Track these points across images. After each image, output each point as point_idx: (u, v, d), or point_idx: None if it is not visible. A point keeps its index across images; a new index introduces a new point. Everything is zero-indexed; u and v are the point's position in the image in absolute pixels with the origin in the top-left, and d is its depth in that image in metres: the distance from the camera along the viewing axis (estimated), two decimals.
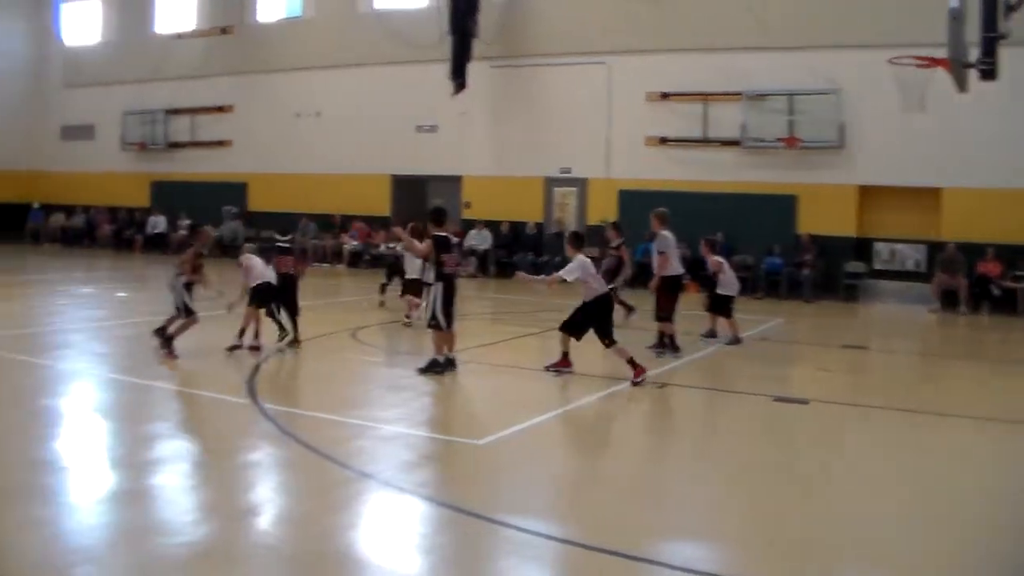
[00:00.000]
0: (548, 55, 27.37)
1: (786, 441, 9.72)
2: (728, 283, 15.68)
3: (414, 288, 15.85)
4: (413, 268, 15.80)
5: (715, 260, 15.75)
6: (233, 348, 13.04)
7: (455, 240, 12.34)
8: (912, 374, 14.94)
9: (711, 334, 15.69)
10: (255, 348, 13.14)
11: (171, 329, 12.65)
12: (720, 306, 15.64)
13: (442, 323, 11.77)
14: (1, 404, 10.12)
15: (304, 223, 30.40)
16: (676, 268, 14.30)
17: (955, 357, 16.71)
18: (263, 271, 13.49)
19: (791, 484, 8.05)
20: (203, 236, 13.64)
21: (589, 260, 12.10)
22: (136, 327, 15.23)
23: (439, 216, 12.25)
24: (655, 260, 14.33)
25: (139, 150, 35.11)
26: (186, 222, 32.61)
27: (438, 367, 11.77)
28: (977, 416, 10.76)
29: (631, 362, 11.73)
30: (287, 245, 14.41)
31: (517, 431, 9.38)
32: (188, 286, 12.72)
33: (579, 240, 12.40)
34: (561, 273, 12.01)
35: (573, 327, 12.10)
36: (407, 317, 16.04)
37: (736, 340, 15.36)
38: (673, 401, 11.47)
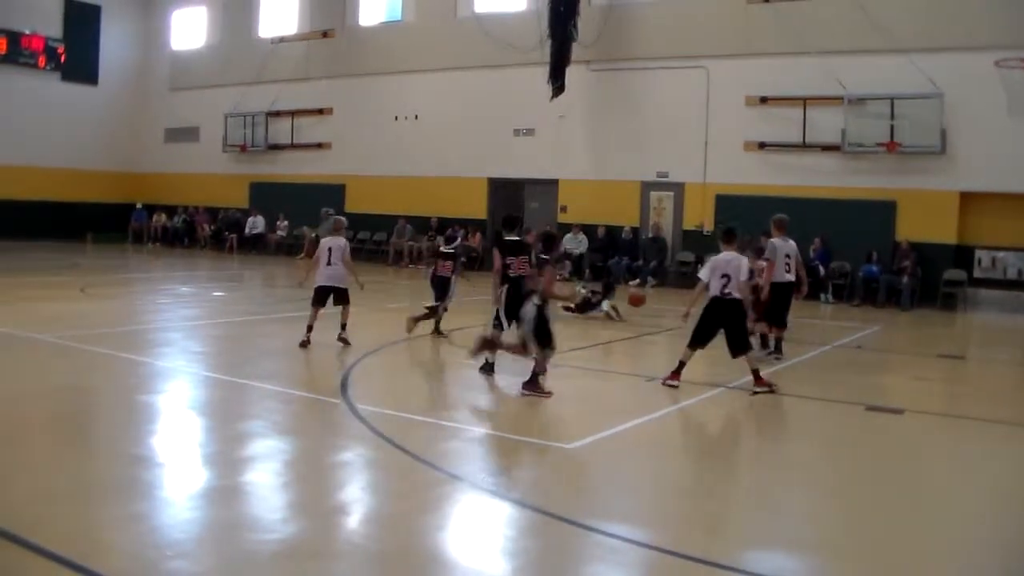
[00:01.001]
0: (647, 59, 27.31)
1: (878, 451, 9.53)
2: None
3: None
4: None
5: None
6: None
7: (530, 243, 12.34)
8: (1010, 384, 14.54)
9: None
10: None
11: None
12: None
13: (504, 324, 11.80)
14: (102, 400, 10.44)
15: (401, 225, 30.72)
16: (781, 275, 14.23)
17: None
18: None
19: (884, 494, 7.88)
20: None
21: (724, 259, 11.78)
22: (230, 327, 15.55)
23: (509, 222, 12.44)
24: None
25: (240, 152, 35.81)
26: (284, 223, 33.20)
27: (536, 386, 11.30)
28: None
29: (756, 373, 11.65)
30: (451, 251, 15.52)
31: (607, 436, 9.33)
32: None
33: (730, 235, 12.09)
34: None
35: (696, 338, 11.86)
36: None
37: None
38: (765, 408, 11.31)
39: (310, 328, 13.54)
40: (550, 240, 11.98)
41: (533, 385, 10.99)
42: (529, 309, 10.93)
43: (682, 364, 11.77)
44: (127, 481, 7.22)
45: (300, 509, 6.92)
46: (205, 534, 6.31)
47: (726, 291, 11.57)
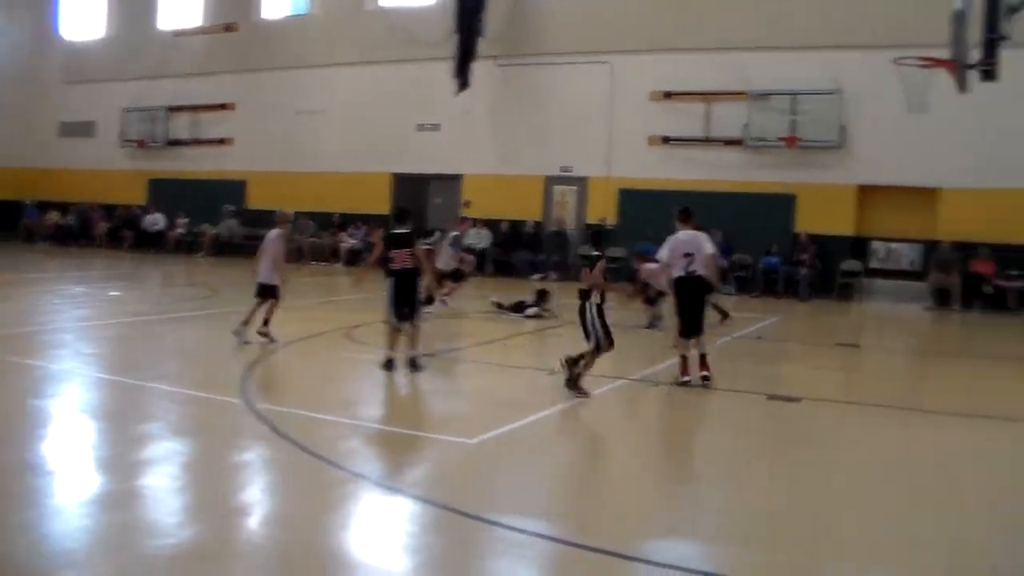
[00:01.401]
0: (552, 54, 27.43)
1: (779, 439, 9.67)
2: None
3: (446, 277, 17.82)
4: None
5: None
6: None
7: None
8: (904, 372, 15.05)
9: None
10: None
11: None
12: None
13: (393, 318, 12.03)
14: None
15: (304, 221, 30.41)
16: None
17: (947, 355, 16.72)
18: None
19: (783, 482, 8.02)
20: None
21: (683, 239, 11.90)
22: (126, 327, 15.24)
23: (399, 215, 12.62)
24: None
25: (139, 148, 35.08)
26: (184, 220, 32.67)
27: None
28: (968, 413, 10.83)
29: (703, 357, 11.73)
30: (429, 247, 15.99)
31: (509, 430, 9.33)
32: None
33: (687, 213, 12.19)
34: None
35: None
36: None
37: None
38: (666, 399, 11.42)
39: None
40: (598, 236, 12.01)
41: (577, 385, 10.79)
42: (591, 311, 10.71)
43: (684, 359, 11.77)
44: (16, 489, 6.96)
45: (198, 512, 6.77)
46: (98, 541, 6.13)
47: (691, 269, 11.68)
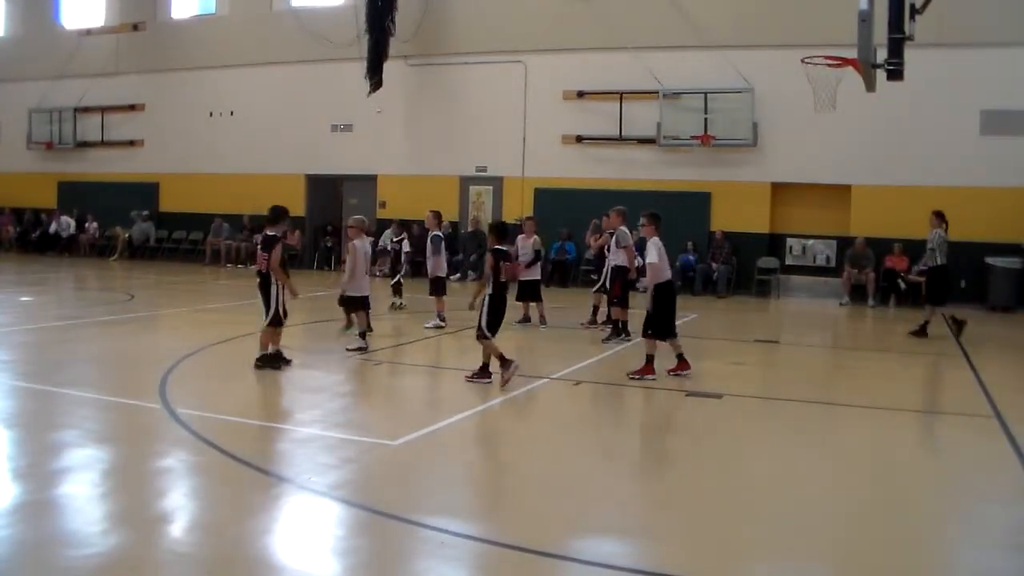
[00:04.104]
0: (465, 53, 27.45)
1: (698, 436, 9.79)
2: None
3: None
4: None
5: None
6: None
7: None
8: (822, 367, 15.30)
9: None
10: None
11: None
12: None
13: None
14: None
15: (217, 224, 30.07)
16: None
17: (863, 349, 17.08)
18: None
19: (707, 478, 8.12)
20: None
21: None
22: (39, 332, 14.94)
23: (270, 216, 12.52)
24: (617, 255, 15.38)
25: (46, 149, 34.34)
26: (93, 224, 32.08)
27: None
28: (884, 406, 11.08)
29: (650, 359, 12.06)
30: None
31: (432, 431, 9.37)
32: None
33: (656, 219, 12.57)
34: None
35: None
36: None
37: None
38: (586, 398, 11.51)
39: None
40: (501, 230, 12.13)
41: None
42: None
43: (682, 357, 12.28)
44: None
45: (120, 520, 6.66)
46: (15, 553, 5.98)
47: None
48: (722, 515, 7.11)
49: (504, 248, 11.77)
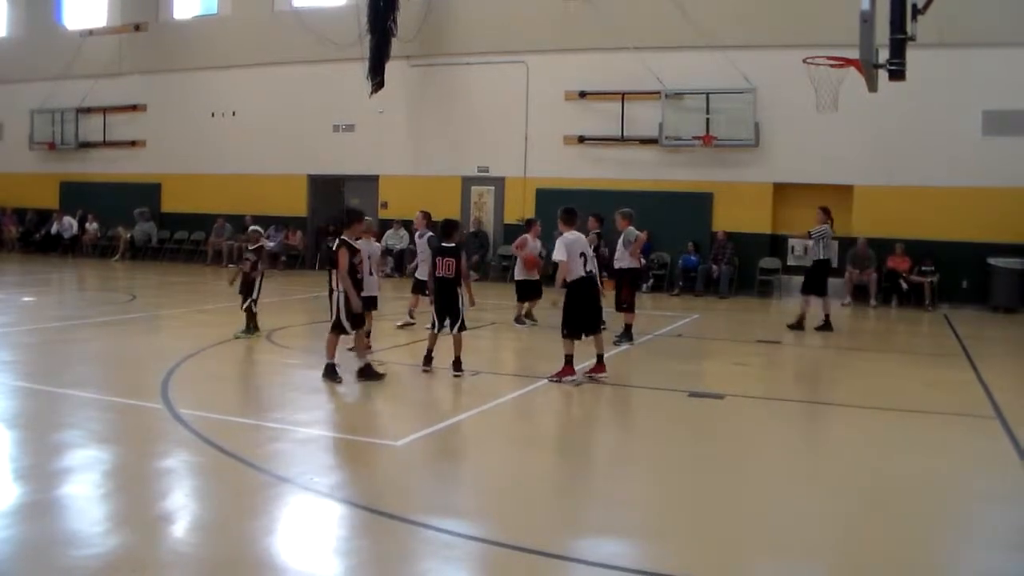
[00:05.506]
0: (467, 54, 27.45)
1: (702, 436, 9.79)
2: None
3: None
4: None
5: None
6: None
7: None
8: (822, 367, 15.28)
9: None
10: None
11: None
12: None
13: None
14: None
15: (220, 224, 30.07)
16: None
17: (865, 350, 17.00)
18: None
19: (709, 479, 8.11)
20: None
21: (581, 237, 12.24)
22: (42, 333, 14.94)
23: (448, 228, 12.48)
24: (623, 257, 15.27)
25: (49, 150, 34.36)
26: (93, 224, 32.08)
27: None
28: (886, 407, 11.06)
29: (569, 359, 11.86)
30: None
31: (434, 431, 9.37)
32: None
33: (571, 216, 12.34)
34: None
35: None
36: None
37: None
38: (589, 398, 11.50)
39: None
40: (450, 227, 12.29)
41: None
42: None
43: (600, 359, 12.13)
44: None
45: (122, 520, 6.66)
46: (17, 554, 5.98)
47: (588, 269, 11.98)
48: (723, 515, 7.11)
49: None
